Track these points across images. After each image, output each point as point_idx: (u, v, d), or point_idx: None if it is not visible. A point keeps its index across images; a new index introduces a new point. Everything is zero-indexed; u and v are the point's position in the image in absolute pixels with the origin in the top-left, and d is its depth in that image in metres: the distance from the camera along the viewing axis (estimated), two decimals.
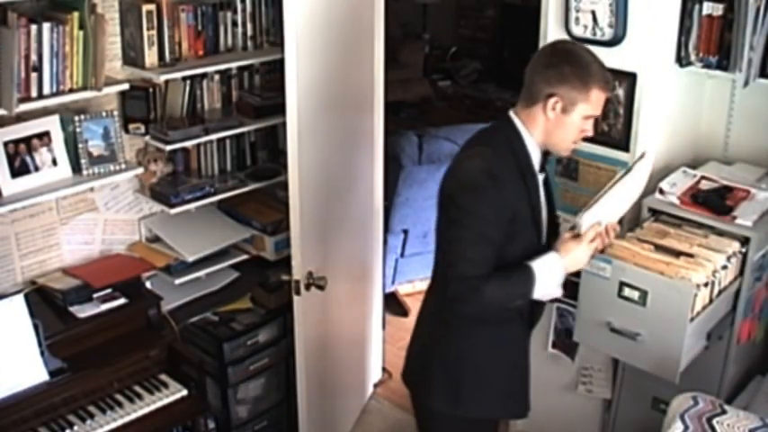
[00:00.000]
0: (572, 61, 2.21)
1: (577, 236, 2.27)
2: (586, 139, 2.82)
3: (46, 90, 2.85)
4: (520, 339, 2.47)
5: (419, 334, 2.52)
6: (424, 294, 2.53)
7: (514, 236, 2.25)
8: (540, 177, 2.35)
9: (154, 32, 3.19)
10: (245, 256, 3.65)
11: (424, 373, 2.45)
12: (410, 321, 3.06)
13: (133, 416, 2.89)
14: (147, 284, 3.40)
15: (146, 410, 2.92)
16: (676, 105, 2.88)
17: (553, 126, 2.26)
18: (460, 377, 2.39)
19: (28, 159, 2.94)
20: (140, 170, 3.27)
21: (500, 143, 2.30)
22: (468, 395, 2.40)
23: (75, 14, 2.85)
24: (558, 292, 2.31)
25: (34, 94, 2.83)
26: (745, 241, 2.56)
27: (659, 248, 2.53)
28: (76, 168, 3.07)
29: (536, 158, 2.31)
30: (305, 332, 3.01)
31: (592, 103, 2.22)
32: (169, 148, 3.29)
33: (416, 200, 4.31)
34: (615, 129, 2.78)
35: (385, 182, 3.79)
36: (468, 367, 2.39)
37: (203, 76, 3.47)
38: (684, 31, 2.70)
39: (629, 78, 2.70)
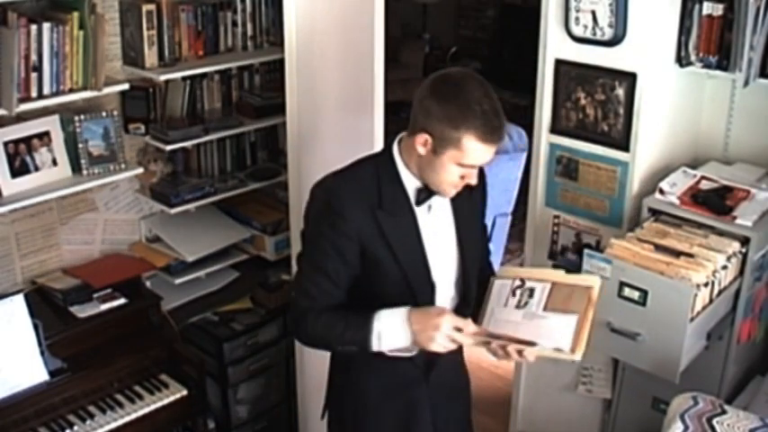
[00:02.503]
0: (452, 99, 1.90)
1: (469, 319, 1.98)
2: (586, 139, 2.85)
3: (46, 90, 2.85)
4: (413, 384, 2.16)
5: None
6: None
7: (376, 274, 2.03)
8: (425, 208, 2.06)
9: (154, 32, 3.19)
10: (245, 256, 3.65)
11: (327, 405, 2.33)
12: None
13: (133, 416, 2.89)
14: (147, 284, 3.40)
15: (146, 410, 2.92)
16: (676, 105, 2.88)
17: (425, 164, 1.98)
18: (344, 414, 2.26)
19: (28, 159, 2.94)
20: (140, 170, 3.27)
21: (364, 174, 2.05)
22: (355, 423, 2.24)
23: (75, 14, 2.85)
24: (411, 351, 2.04)
25: (34, 94, 2.83)
26: (745, 241, 2.56)
27: (659, 248, 2.53)
28: (76, 168, 3.07)
29: (413, 192, 2.04)
30: None
31: (464, 152, 1.91)
32: (169, 148, 3.29)
33: None
34: (615, 129, 2.78)
35: None
36: (348, 404, 2.24)
37: (203, 76, 3.47)
38: (684, 31, 2.70)
39: (629, 78, 2.70)
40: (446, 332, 1.93)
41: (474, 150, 1.91)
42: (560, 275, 2.11)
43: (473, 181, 2.01)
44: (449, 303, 2.14)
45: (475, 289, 2.17)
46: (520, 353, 1.96)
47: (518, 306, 2.07)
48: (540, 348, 1.96)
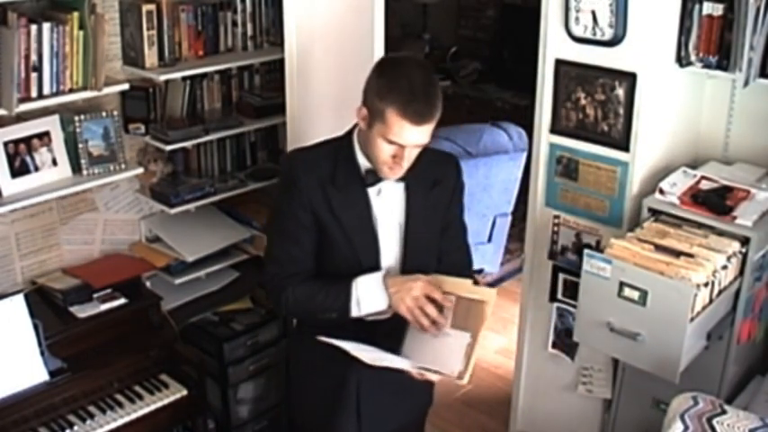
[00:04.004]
0: (386, 74, 2.03)
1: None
2: (586, 139, 2.85)
3: (46, 90, 2.85)
4: (343, 361, 2.16)
5: None
6: None
7: (327, 245, 2.15)
8: (375, 190, 2.15)
9: (154, 32, 3.19)
10: (245, 256, 3.65)
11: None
12: None
13: (133, 416, 2.89)
14: (147, 284, 3.40)
15: (146, 410, 2.92)
16: (676, 105, 2.88)
17: (365, 139, 2.10)
18: (290, 377, 2.35)
19: (28, 159, 2.94)
20: (140, 170, 3.27)
21: (323, 151, 2.19)
22: (294, 398, 2.37)
23: (75, 14, 2.85)
24: (385, 314, 2.14)
25: (34, 94, 2.83)
26: (745, 241, 2.56)
27: (659, 248, 2.53)
28: (76, 168, 3.07)
29: (365, 169, 2.14)
30: None
31: (388, 126, 1.99)
32: (169, 148, 3.29)
33: None
34: (615, 129, 2.78)
35: None
36: (294, 369, 2.35)
37: (203, 76, 3.47)
38: (684, 31, 2.70)
39: (629, 78, 2.70)
40: (415, 294, 2.07)
41: (396, 125, 1.98)
42: (466, 287, 2.16)
43: (405, 164, 2.07)
44: None
45: None
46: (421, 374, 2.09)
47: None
48: (435, 375, 2.09)
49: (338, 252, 2.16)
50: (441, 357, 2.11)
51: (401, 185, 2.17)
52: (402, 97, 1.97)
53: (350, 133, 2.20)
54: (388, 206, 2.18)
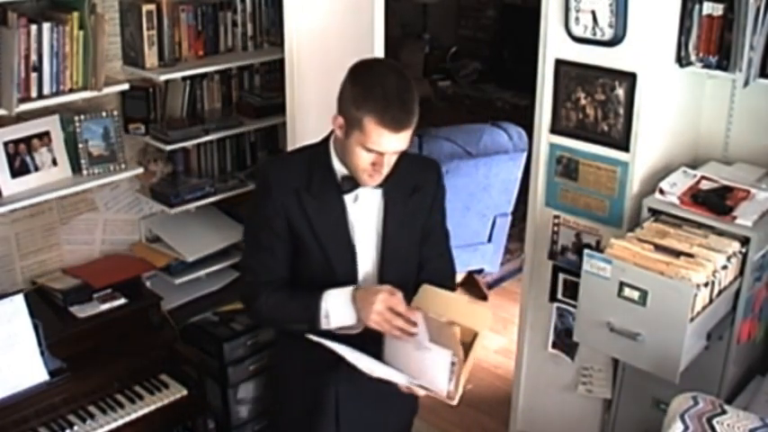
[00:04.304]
0: (360, 82, 1.98)
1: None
2: (586, 139, 2.85)
3: (46, 90, 2.86)
4: (323, 371, 2.20)
5: None
6: None
7: (302, 252, 2.13)
8: (352, 196, 2.12)
9: (154, 32, 3.19)
10: None
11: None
12: None
13: (133, 416, 2.89)
14: (147, 284, 3.40)
15: (146, 410, 2.92)
16: (676, 105, 2.88)
17: (343, 147, 2.06)
18: (273, 384, 2.37)
19: (28, 159, 2.94)
20: (140, 170, 3.28)
21: (299, 158, 2.18)
22: (276, 405, 2.38)
23: (75, 14, 2.86)
24: (356, 329, 2.08)
25: (34, 94, 2.83)
26: (745, 241, 2.56)
27: (659, 248, 2.53)
28: (76, 168, 3.08)
29: (341, 176, 2.11)
30: None
31: (366, 134, 1.96)
32: (169, 148, 3.29)
33: None
34: (615, 129, 2.78)
35: None
36: (277, 377, 2.35)
37: (203, 76, 3.48)
38: (684, 31, 2.70)
39: (629, 78, 2.70)
40: (378, 309, 2.00)
41: (374, 134, 1.95)
42: (460, 305, 2.13)
43: (384, 170, 2.03)
44: None
45: (394, 286, 2.13)
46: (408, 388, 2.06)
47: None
48: (423, 390, 2.06)
49: (313, 259, 2.13)
50: (426, 370, 2.07)
51: (379, 192, 2.14)
52: (378, 105, 1.93)
53: (326, 140, 2.16)
54: (365, 213, 2.15)
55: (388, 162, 2.04)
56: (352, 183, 2.09)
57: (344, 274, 2.13)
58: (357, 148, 1.99)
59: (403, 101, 1.95)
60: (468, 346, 2.04)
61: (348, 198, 2.12)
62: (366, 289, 2.07)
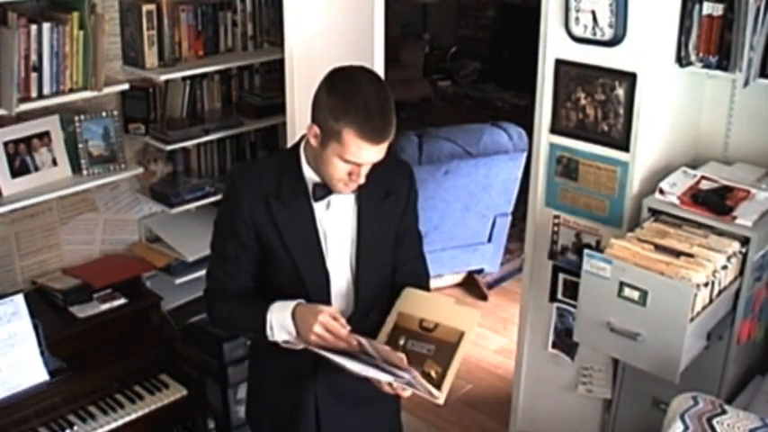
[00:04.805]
0: (338, 91, 1.91)
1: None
2: (586, 139, 2.85)
3: (46, 90, 2.86)
4: (301, 378, 2.16)
5: None
6: None
7: (271, 261, 2.08)
8: (324, 204, 2.06)
9: (154, 32, 3.19)
10: None
11: None
12: None
13: (133, 416, 2.89)
14: (147, 284, 3.40)
15: (146, 410, 2.92)
16: (676, 105, 2.88)
17: (317, 156, 1.99)
18: (249, 389, 2.35)
19: (28, 159, 2.95)
20: (140, 170, 3.28)
21: (268, 164, 2.15)
22: (250, 409, 2.36)
23: (75, 14, 2.86)
24: (300, 344, 2.00)
25: (34, 94, 2.83)
26: (745, 241, 2.56)
27: (659, 248, 2.53)
28: (76, 168, 3.08)
29: (311, 187, 2.05)
30: None
31: (345, 146, 1.90)
32: (169, 148, 3.29)
33: None
34: (615, 129, 2.78)
35: None
36: (252, 385, 2.34)
37: (203, 76, 3.48)
38: (684, 31, 2.70)
39: (629, 78, 2.70)
40: (317, 331, 1.93)
41: (353, 146, 1.90)
42: (447, 306, 2.11)
43: (361, 180, 1.98)
44: (342, 301, 2.13)
45: (371, 293, 2.14)
46: (390, 385, 1.98)
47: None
48: (408, 390, 1.99)
49: (282, 268, 2.08)
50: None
51: (352, 197, 2.09)
52: (359, 117, 1.87)
53: (297, 146, 2.10)
54: (339, 219, 2.09)
55: (365, 172, 2.00)
56: (325, 190, 2.04)
57: (313, 283, 2.08)
58: (334, 158, 1.94)
59: (383, 112, 1.89)
60: (455, 347, 2.03)
61: (320, 205, 2.07)
62: (307, 307, 1.99)
